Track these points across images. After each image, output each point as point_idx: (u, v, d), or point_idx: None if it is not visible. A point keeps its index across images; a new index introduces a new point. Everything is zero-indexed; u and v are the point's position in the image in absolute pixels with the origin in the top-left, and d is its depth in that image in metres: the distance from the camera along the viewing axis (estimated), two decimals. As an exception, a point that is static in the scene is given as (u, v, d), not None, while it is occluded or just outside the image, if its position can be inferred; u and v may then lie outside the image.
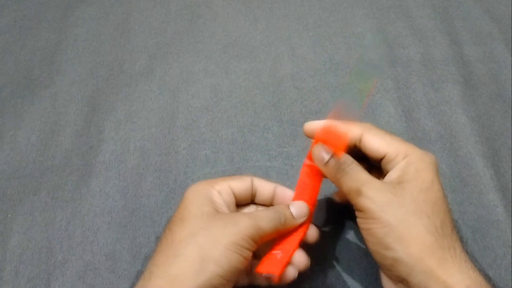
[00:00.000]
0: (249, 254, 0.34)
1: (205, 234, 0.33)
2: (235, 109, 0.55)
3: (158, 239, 0.46)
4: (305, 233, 0.38)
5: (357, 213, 0.34)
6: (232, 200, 0.38)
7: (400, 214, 0.31)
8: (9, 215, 0.49)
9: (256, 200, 0.40)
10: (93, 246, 0.46)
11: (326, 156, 0.36)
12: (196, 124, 0.54)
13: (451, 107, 0.53)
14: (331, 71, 0.57)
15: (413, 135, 0.51)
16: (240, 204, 0.39)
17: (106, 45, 0.63)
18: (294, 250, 0.36)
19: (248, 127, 0.53)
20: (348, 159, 0.36)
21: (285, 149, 0.51)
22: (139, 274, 0.44)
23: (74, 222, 0.48)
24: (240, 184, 0.38)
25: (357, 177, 0.34)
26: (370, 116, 0.53)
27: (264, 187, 0.39)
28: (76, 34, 0.65)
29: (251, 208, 0.40)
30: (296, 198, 0.38)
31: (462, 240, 0.43)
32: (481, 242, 0.43)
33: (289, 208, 0.37)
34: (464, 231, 0.43)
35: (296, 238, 0.37)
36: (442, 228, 0.31)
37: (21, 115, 0.57)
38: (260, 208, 0.40)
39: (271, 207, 0.37)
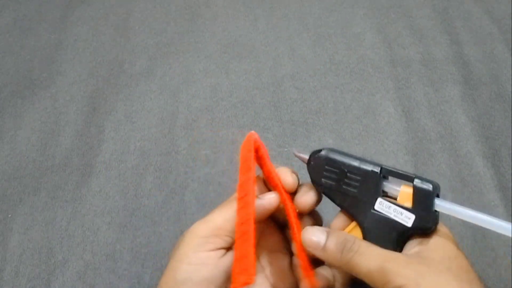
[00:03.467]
0: (210, 248, 0.32)
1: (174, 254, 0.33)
2: (235, 109, 0.55)
3: (158, 239, 0.46)
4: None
5: None
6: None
7: (440, 284, 0.28)
8: (9, 215, 0.49)
9: None
10: (93, 246, 0.46)
11: (323, 237, 0.31)
12: (196, 124, 0.54)
13: (451, 107, 0.53)
14: (331, 71, 0.57)
15: (413, 135, 0.51)
16: None
17: (106, 45, 0.63)
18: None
19: (248, 127, 0.53)
20: (349, 235, 0.31)
21: (285, 149, 0.51)
22: (139, 274, 0.44)
23: (74, 222, 0.48)
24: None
25: (373, 254, 0.29)
26: (370, 116, 0.53)
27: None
28: (76, 34, 0.65)
29: None
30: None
31: (462, 240, 0.43)
32: (481, 242, 0.43)
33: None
34: (464, 231, 0.43)
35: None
36: None
37: (21, 115, 0.57)
38: None
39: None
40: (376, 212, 0.32)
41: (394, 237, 0.31)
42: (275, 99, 0.56)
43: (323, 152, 0.34)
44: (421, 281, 0.28)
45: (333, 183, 0.33)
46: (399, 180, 0.32)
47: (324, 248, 0.31)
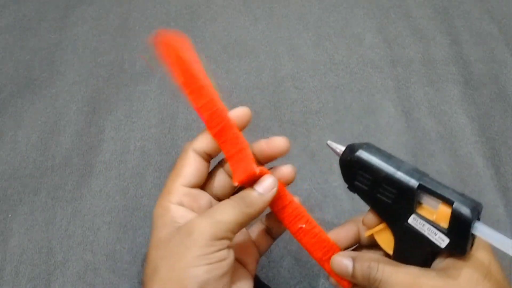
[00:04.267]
0: (222, 255, 0.29)
1: (165, 264, 0.29)
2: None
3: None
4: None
5: None
6: (195, 196, 0.33)
7: None
8: (9, 215, 0.49)
9: None
10: (93, 246, 0.46)
11: (350, 264, 0.32)
12: (196, 124, 0.54)
13: (451, 107, 0.53)
14: (331, 71, 0.57)
15: (413, 135, 0.51)
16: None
17: (106, 45, 0.63)
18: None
19: (248, 127, 0.53)
20: (372, 258, 0.31)
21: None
22: (139, 274, 0.44)
23: (74, 222, 0.48)
24: (190, 174, 0.33)
25: (395, 281, 0.29)
26: (370, 116, 0.53)
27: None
28: (76, 34, 0.65)
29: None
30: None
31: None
32: (481, 242, 0.43)
33: (253, 188, 0.32)
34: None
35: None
36: None
37: (21, 115, 0.57)
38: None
39: (233, 196, 0.32)
40: (409, 226, 0.30)
41: (426, 252, 0.30)
42: (275, 99, 0.56)
43: (358, 153, 0.31)
44: None
45: (366, 188, 0.31)
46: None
47: (352, 276, 0.32)
